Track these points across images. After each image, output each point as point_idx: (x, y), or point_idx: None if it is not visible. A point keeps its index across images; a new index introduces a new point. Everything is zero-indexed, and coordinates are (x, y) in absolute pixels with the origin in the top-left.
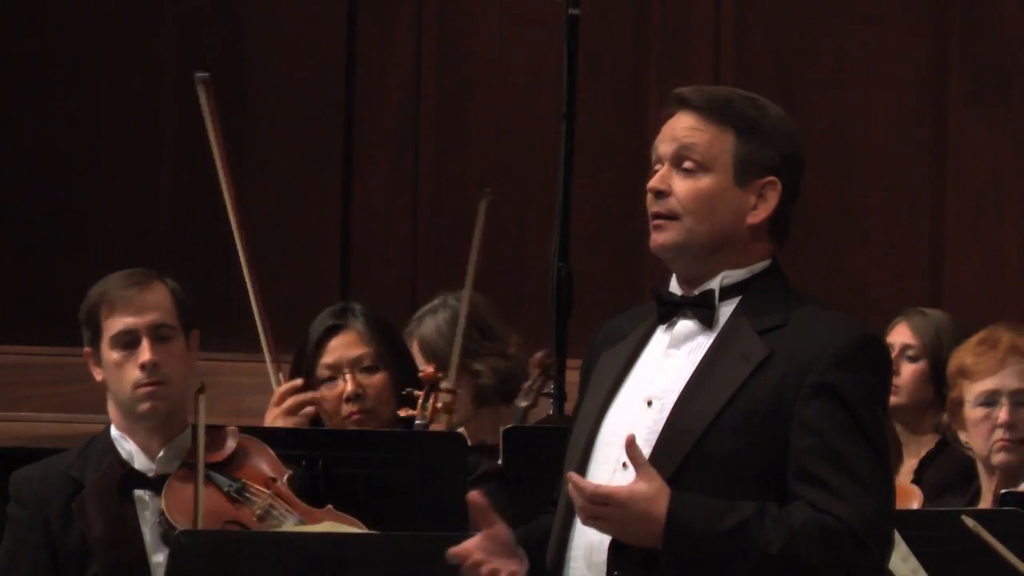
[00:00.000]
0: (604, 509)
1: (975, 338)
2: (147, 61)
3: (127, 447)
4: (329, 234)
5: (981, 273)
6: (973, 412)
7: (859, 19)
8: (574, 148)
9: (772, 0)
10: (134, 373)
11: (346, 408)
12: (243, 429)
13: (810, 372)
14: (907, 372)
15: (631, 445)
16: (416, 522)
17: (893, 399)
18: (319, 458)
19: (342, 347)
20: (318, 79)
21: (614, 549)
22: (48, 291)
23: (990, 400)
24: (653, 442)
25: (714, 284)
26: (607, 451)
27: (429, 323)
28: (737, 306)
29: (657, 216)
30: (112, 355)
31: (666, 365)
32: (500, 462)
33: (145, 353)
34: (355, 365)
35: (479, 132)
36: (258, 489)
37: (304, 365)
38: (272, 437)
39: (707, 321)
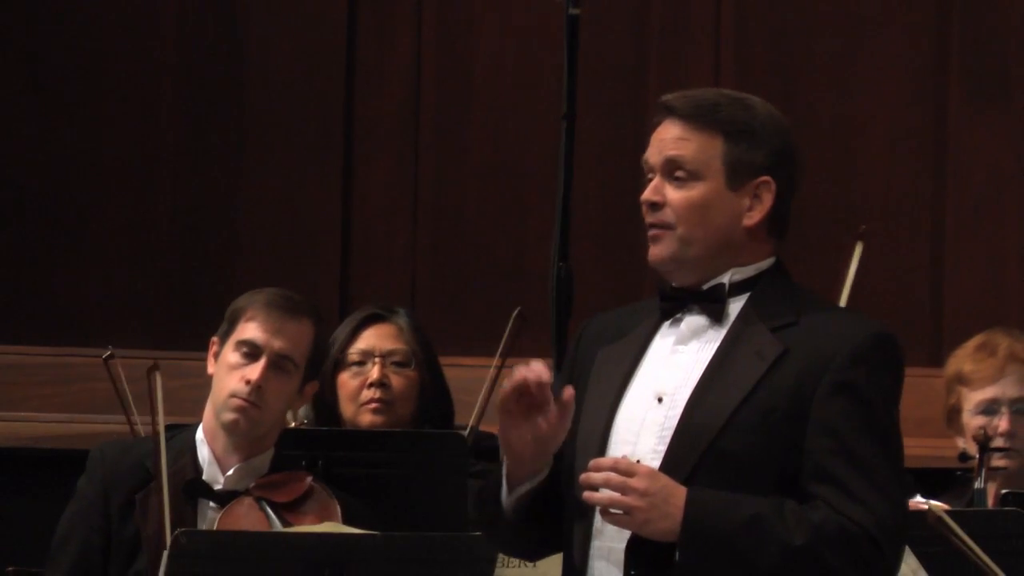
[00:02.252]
0: (630, 482)
1: (972, 344)
2: (147, 61)
3: (204, 453)
4: (329, 234)
5: (981, 273)
6: (973, 420)
7: (859, 19)
8: (574, 148)
9: (772, 0)
10: (238, 384)
11: (366, 394)
12: None
13: (828, 370)
14: None
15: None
16: (416, 522)
17: None
18: (319, 458)
19: (378, 337)
20: (318, 79)
21: (630, 550)
22: (48, 291)
23: (990, 409)
24: (667, 439)
25: (724, 279)
26: (621, 449)
27: None
28: (746, 303)
29: (653, 227)
30: (231, 356)
31: (674, 361)
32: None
33: (256, 371)
34: (387, 356)
35: (479, 132)
36: None
37: (335, 349)
38: None
39: (716, 316)
